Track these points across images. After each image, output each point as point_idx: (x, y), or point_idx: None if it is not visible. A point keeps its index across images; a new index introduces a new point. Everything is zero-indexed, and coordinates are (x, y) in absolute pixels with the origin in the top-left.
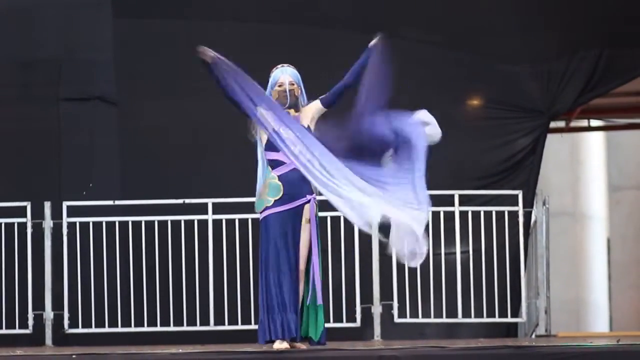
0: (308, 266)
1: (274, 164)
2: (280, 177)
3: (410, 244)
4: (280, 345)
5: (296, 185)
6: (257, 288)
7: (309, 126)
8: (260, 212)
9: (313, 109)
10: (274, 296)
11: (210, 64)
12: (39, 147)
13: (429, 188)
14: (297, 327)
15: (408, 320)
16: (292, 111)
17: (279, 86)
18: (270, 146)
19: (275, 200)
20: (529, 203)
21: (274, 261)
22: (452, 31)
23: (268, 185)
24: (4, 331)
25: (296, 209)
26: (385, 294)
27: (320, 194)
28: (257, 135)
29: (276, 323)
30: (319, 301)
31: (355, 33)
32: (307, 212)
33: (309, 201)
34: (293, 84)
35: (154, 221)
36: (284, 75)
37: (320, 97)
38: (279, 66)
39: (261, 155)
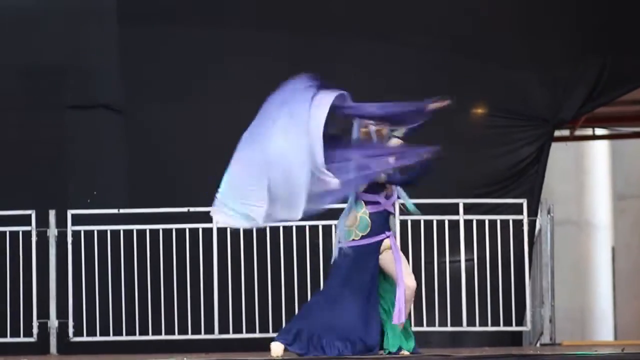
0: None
1: (368, 203)
2: (371, 215)
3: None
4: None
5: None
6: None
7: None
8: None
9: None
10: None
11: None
12: (43, 155)
13: (434, 196)
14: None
15: (413, 328)
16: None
17: (364, 127)
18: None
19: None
20: (533, 212)
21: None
22: (457, 39)
23: (359, 219)
24: (8, 339)
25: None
26: None
27: None
28: None
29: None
30: (394, 321)
31: (359, 39)
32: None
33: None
34: (379, 125)
35: (158, 229)
36: None
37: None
38: None
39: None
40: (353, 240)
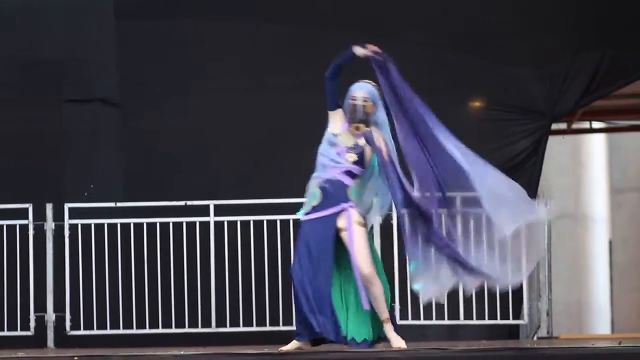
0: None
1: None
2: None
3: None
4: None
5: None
6: (258, 289)
7: (363, 147)
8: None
9: (381, 143)
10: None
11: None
12: (41, 149)
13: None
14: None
15: (410, 322)
16: (361, 126)
17: (352, 99)
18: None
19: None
20: None
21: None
22: (454, 33)
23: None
24: (5, 333)
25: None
26: None
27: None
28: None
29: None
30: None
31: (357, 35)
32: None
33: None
34: (367, 101)
35: (155, 223)
36: (360, 90)
37: (389, 151)
38: (360, 81)
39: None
40: (306, 214)
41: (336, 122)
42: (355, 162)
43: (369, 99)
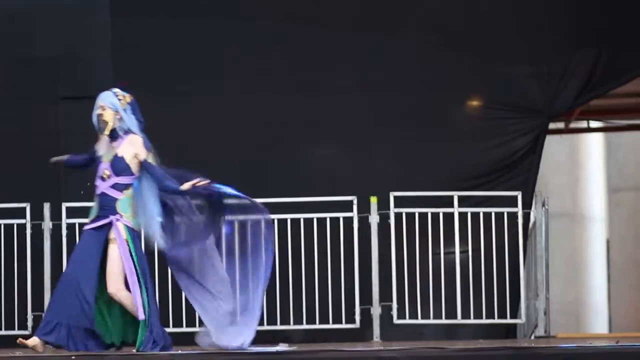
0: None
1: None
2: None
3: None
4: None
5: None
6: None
7: (123, 156)
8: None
9: (138, 148)
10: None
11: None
12: (37, 147)
13: (428, 188)
14: None
15: (407, 321)
16: (104, 135)
17: (94, 110)
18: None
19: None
20: (527, 204)
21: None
22: (452, 32)
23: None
24: (3, 332)
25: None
26: (385, 295)
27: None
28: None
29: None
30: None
31: (356, 33)
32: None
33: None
34: (104, 109)
35: None
36: (98, 100)
37: (145, 149)
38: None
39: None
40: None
41: (101, 144)
42: (119, 174)
43: (107, 107)
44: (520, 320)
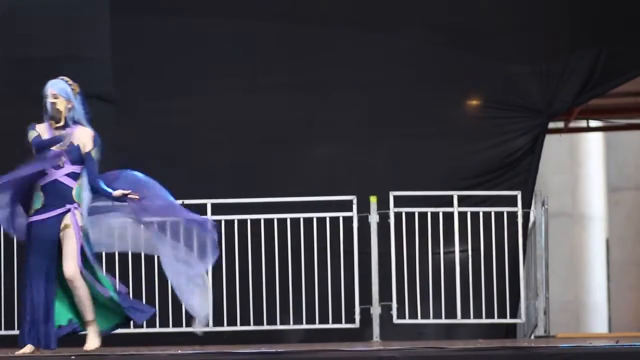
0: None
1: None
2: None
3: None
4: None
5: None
6: (255, 288)
7: (78, 145)
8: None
9: (87, 139)
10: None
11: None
12: None
13: (427, 188)
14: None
15: (407, 321)
16: (54, 123)
17: (45, 97)
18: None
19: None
20: (527, 203)
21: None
22: (451, 30)
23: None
24: (3, 332)
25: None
26: (384, 295)
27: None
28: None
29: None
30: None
31: (355, 32)
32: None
33: (69, 210)
34: (56, 97)
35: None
36: (50, 87)
37: (94, 148)
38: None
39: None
40: (29, 217)
41: (41, 129)
42: (74, 163)
43: (59, 95)
44: (520, 320)
